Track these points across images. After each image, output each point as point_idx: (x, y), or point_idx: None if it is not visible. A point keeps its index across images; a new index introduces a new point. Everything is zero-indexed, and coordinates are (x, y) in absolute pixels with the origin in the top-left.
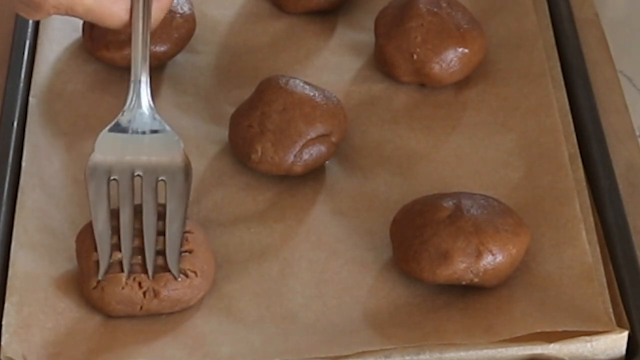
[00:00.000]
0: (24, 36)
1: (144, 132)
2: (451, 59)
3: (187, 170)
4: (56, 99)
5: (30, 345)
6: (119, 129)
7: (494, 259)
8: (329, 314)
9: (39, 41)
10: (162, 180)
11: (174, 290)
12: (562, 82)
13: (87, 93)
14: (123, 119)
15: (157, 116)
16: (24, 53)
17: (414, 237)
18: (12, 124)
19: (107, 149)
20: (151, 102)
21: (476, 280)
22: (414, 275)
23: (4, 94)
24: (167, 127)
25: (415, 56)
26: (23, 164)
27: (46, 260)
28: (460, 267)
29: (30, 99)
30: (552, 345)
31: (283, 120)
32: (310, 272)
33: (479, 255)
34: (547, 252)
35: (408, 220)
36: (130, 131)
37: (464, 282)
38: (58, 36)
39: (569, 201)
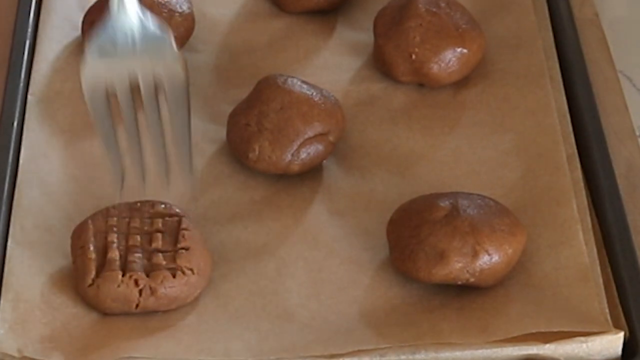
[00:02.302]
0: (24, 36)
1: (133, 38)
2: (450, 59)
3: (181, 66)
4: (55, 97)
5: (26, 341)
6: (106, 35)
7: (490, 259)
8: (325, 313)
9: (38, 39)
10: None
11: (171, 287)
12: (561, 83)
13: None
14: (110, 26)
15: (140, 14)
16: (24, 53)
17: (410, 237)
18: (12, 124)
19: (99, 61)
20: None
21: (472, 280)
22: (410, 274)
23: (4, 94)
24: (152, 26)
25: (413, 56)
26: (20, 161)
27: (42, 257)
28: (457, 267)
29: (29, 97)
30: (547, 345)
31: (281, 119)
32: (307, 272)
33: (475, 255)
34: (544, 253)
35: (405, 219)
36: (119, 39)
37: (460, 282)
38: (57, 34)
39: (566, 201)
